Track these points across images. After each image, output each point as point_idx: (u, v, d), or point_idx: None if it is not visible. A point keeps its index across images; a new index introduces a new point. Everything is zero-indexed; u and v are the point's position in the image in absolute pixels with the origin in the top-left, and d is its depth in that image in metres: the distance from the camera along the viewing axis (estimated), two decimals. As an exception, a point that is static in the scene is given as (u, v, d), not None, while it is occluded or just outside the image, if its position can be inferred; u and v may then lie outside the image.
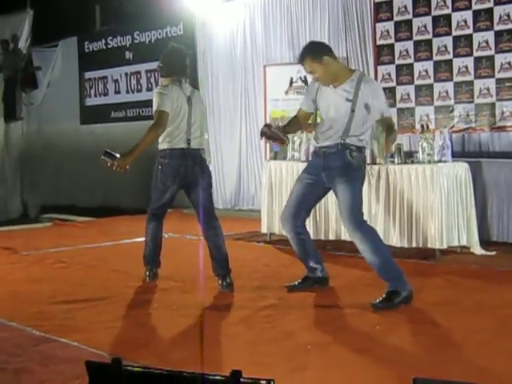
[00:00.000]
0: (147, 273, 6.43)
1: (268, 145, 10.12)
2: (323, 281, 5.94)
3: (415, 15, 8.96)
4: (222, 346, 4.45)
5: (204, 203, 6.08)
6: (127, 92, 13.39)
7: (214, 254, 6.13)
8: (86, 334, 4.76)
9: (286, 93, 10.18)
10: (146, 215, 6.44)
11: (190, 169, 6.07)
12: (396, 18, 9.16)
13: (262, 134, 5.58)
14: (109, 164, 5.56)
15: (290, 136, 6.04)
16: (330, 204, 7.64)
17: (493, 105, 8.30)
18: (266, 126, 5.76)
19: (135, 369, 2.15)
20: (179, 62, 6.23)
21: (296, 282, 5.96)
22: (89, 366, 2.13)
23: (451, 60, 8.65)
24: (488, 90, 8.34)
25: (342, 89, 5.42)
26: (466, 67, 8.51)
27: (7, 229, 10.94)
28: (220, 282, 6.06)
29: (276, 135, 5.54)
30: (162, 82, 6.41)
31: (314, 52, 5.49)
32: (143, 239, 6.53)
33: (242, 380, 1.98)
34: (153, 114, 6.02)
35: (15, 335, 4.82)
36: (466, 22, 8.48)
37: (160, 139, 6.06)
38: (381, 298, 5.26)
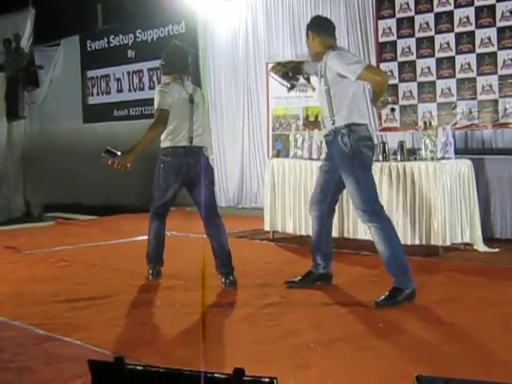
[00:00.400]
0: (150, 271, 6.43)
1: (271, 142, 10.14)
2: (325, 278, 5.95)
3: (417, 12, 8.95)
4: (224, 343, 4.45)
5: (206, 201, 6.09)
6: (129, 90, 13.39)
7: (217, 252, 6.13)
8: (88, 333, 4.76)
9: (289, 90, 10.15)
10: (149, 214, 6.44)
11: (193, 167, 6.08)
12: (398, 15, 9.15)
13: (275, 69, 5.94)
14: (109, 162, 5.58)
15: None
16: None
17: (495, 101, 8.29)
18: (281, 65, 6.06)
19: (138, 367, 2.15)
20: (181, 60, 6.25)
21: (296, 279, 5.98)
22: (91, 365, 2.13)
23: (454, 57, 8.64)
24: (491, 86, 8.32)
25: (320, 64, 5.59)
26: (469, 64, 8.49)
27: (10, 228, 10.95)
28: (223, 279, 6.05)
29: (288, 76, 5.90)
30: (164, 80, 6.41)
31: (307, 26, 5.83)
32: (146, 238, 6.54)
33: (244, 378, 1.98)
34: (154, 112, 6.03)
35: (18, 334, 4.82)
36: (468, 18, 8.46)
37: (162, 137, 6.08)
38: (383, 296, 5.25)
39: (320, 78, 5.59)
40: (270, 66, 6.09)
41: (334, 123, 5.47)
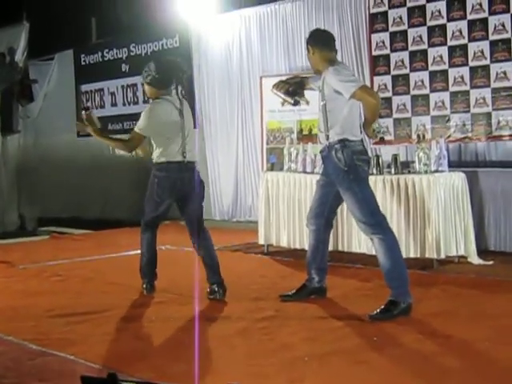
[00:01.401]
0: (144, 286, 6.41)
1: (265, 156, 10.15)
2: (320, 291, 5.95)
3: (410, 26, 8.98)
4: (218, 358, 4.43)
5: (197, 214, 6.26)
6: (124, 104, 13.39)
7: (209, 262, 6.21)
8: (82, 348, 4.74)
9: (283, 104, 10.14)
10: (140, 227, 6.44)
11: (187, 182, 6.13)
12: (391, 29, 9.18)
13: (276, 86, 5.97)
14: (84, 118, 6.15)
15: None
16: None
17: (489, 114, 8.31)
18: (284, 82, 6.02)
19: (131, 383, 2.15)
20: (176, 74, 6.25)
21: (290, 292, 5.97)
22: (84, 381, 2.12)
23: (447, 70, 8.67)
24: (484, 99, 8.34)
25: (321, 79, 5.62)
26: (462, 77, 8.52)
27: (4, 242, 10.92)
28: (216, 289, 6.11)
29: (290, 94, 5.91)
30: (149, 92, 6.33)
31: (307, 39, 5.82)
32: (139, 251, 6.53)
33: (238, 393, 1.98)
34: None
35: (12, 349, 4.81)
36: (461, 32, 8.49)
37: (156, 153, 6.10)
38: (379, 309, 5.25)
39: (319, 92, 5.63)
40: (273, 83, 6.07)
41: (327, 138, 5.50)
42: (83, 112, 6.24)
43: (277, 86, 5.98)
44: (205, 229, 6.33)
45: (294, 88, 5.94)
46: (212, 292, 6.15)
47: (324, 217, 5.81)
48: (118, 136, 12.19)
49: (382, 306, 5.26)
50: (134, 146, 6.15)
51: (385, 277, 5.40)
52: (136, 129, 6.09)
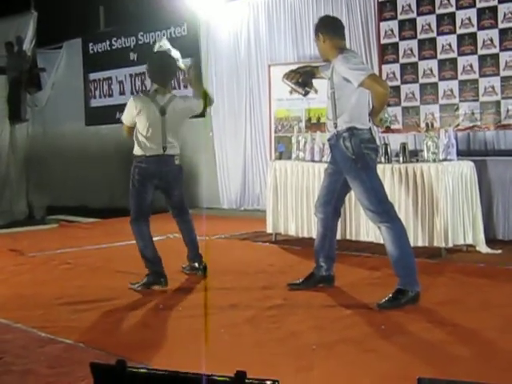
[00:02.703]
0: (162, 280, 6.24)
1: (273, 145, 10.14)
2: (328, 280, 5.94)
3: (419, 14, 8.95)
4: (226, 346, 4.44)
5: (178, 200, 6.57)
6: (132, 93, 13.39)
7: (189, 244, 6.61)
8: (91, 336, 4.77)
9: (291, 92, 10.10)
10: (129, 224, 6.45)
11: (165, 174, 6.36)
12: (400, 17, 9.15)
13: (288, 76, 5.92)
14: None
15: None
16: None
17: (498, 103, 8.29)
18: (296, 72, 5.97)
19: (140, 370, 2.15)
20: (162, 71, 6.47)
21: (298, 281, 5.98)
22: (93, 368, 2.13)
23: (456, 58, 8.64)
24: (493, 88, 8.32)
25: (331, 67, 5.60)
26: (471, 65, 8.49)
27: (13, 230, 10.96)
28: (197, 265, 6.52)
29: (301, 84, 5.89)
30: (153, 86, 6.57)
31: (317, 27, 5.77)
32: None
33: (246, 380, 1.98)
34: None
35: (21, 337, 4.83)
36: (470, 20, 8.46)
37: (136, 146, 6.35)
38: (387, 298, 5.25)
39: (328, 80, 5.60)
40: (282, 72, 6.06)
41: (336, 126, 5.48)
42: None
43: (287, 75, 5.95)
44: (187, 213, 6.67)
45: (304, 78, 5.91)
46: (192, 268, 6.54)
47: (332, 205, 5.80)
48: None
49: (390, 295, 5.26)
50: (126, 135, 6.55)
51: (393, 265, 5.40)
52: (122, 118, 6.50)
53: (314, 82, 6.04)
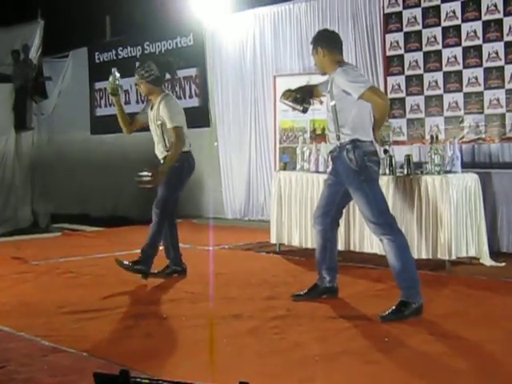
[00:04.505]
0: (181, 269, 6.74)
1: (278, 155, 10.15)
2: (332, 291, 5.93)
3: (425, 26, 8.97)
4: (230, 356, 4.44)
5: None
6: (137, 102, 13.41)
7: (176, 242, 6.97)
8: (94, 345, 4.76)
9: (304, 113, 10.16)
10: (159, 219, 6.50)
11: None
12: (405, 29, 9.18)
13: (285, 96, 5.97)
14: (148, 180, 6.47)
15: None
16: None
17: (503, 115, 8.29)
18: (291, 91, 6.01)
19: (143, 380, 2.15)
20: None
21: (302, 292, 5.96)
22: (96, 378, 2.13)
23: (461, 71, 8.65)
24: (498, 100, 8.33)
25: (328, 82, 5.64)
26: (476, 78, 8.51)
27: (17, 238, 10.97)
28: (180, 268, 6.97)
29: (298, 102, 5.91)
30: (148, 89, 6.86)
31: (316, 41, 5.77)
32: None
33: (249, 392, 1.98)
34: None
35: (24, 345, 4.83)
36: (475, 32, 8.48)
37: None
38: (390, 310, 5.23)
39: (327, 94, 5.62)
40: (280, 93, 6.10)
41: (338, 138, 5.49)
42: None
43: (284, 95, 5.98)
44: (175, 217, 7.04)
45: (301, 95, 5.93)
46: (175, 271, 6.94)
47: (330, 216, 5.79)
48: (131, 134, 12.31)
49: (393, 307, 5.25)
50: (182, 141, 6.61)
51: (395, 278, 5.39)
52: (176, 125, 6.59)
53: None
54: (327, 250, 5.85)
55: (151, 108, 6.86)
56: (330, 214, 5.78)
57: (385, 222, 5.40)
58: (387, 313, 5.22)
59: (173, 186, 6.60)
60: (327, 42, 5.70)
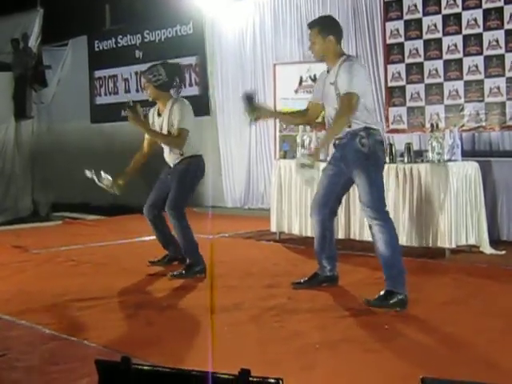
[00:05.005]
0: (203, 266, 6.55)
1: (278, 143, 10.15)
2: (332, 280, 5.93)
3: (425, 14, 8.94)
4: (230, 344, 4.45)
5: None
6: (137, 91, 13.39)
7: (170, 237, 6.88)
8: (95, 332, 4.77)
9: (296, 91, 10.17)
10: (178, 219, 6.46)
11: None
12: (406, 17, 9.15)
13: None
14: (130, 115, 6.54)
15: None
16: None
17: (503, 104, 8.28)
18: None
19: (144, 367, 2.16)
20: (178, 77, 6.85)
21: (302, 280, 5.97)
22: (98, 365, 2.14)
23: (461, 59, 8.63)
24: (498, 88, 8.32)
25: (330, 73, 5.55)
26: (476, 66, 8.49)
27: (17, 227, 10.99)
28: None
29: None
30: (155, 94, 6.73)
31: (325, 27, 5.62)
32: (153, 237, 6.62)
33: (250, 378, 1.99)
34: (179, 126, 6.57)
35: (25, 333, 4.84)
36: (476, 20, 8.46)
37: (187, 147, 6.56)
38: (377, 296, 5.24)
39: (330, 85, 5.50)
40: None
41: (350, 126, 5.41)
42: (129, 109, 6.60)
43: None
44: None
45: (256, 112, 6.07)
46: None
47: (329, 206, 5.76)
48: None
49: (380, 294, 5.25)
50: (182, 143, 6.48)
51: (383, 266, 5.36)
52: (184, 126, 6.47)
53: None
54: (326, 240, 5.83)
55: (159, 114, 6.71)
56: (329, 204, 5.75)
57: (380, 209, 5.39)
58: (374, 299, 5.23)
59: (187, 187, 6.53)
60: (338, 33, 5.64)
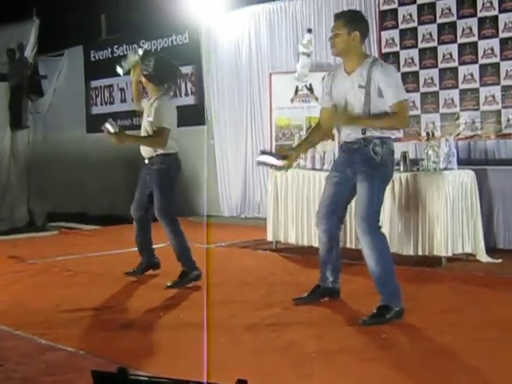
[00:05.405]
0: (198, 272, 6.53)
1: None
2: (333, 292, 5.75)
3: (420, 23, 8.98)
4: (227, 354, 4.44)
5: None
6: (133, 100, 13.39)
7: (149, 243, 6.97)
8: (92, 343, 4.77)
9: (292, 101, 10.19)
10: (171, 226, 6.46)
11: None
12: (401, 26, 9.18)
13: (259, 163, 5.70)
14: (112, 132, 6.42)
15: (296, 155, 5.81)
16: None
17: (498, 112, 8.31)
18: (262, 152, 5.76)
19: (141, 378, 2.16)
20: (172, 73, 6.87)
21: (304, 295, 5.75)
22: (94, 376, 2.13)
23: (456, 67, 8.66)
24: (493, 97, 8.34)
25: (355, 75, 5.24)
26: (472, 75, 8.52)
27: (13, 237, 10.95)
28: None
29: (274, 156, 5.53)
30: (150, 90, 6.81)
31: (353, 20, 5.34)
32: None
33: (247, 389, 1.99)
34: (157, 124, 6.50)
35: (21, 344, 4.83)
36: (471, 29, 8.49)
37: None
38: (371, 314, 5.11)
39: (359, 88, 5.19)
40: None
41: (364, 133, 5.21)
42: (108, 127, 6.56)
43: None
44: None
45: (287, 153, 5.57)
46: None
47: (337, 215, 5.56)
48: (127, 132, 12.24)
49: (374, 311, 5.12)
50: (164, 143, 6.48)
51: (375, 283, 5.24)
52: (163, 125, 6.46)
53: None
54: (334, 250, 5.64)
55: (148, 100, 6.83)
56: (337, 213, 5.55)
57: (373, 223, 5.25)
58: (368, 317, 5.09)
59: (166, 190, 6.51)
60: (365, 31, 5.39)
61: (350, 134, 5.33)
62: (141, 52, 7.03)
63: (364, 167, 5.24)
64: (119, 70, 7.07)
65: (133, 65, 6.98)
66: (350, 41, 5.25)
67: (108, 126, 6.45)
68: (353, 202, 5.61)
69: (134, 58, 7.00)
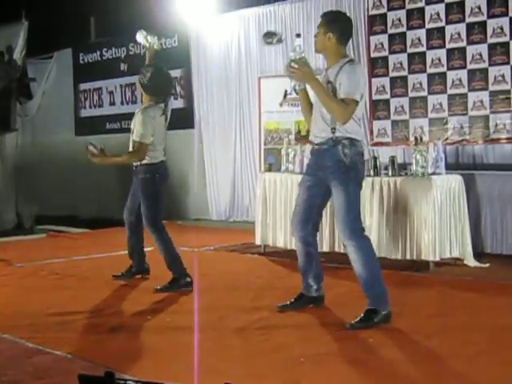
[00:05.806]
0: (190, 280, 6.50)
1: (262, 156, 10.17)
2: (318, 300, 5.69)
3: (409, 28, 9.00)
4: (215, 358, 4.43)
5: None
6: (122, 103, 13.41)
7: (140, 247, 7.03)
8: (79, 346, 4.75)
9: (281, 105, 10.21)
10: (158, 234, 6.47)
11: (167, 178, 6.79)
12: (390, 31, 9.20)
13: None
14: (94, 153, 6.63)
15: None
16: (324, 215, 7.62)
17: (486, 117, 8.34)
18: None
19: (128, 382, 2.16)
20: (168, 83, 6.92)
21: (288, 302, 5.71)
22: (81, 379, 2.13)
23: (445, 72, 8.69)
24: (482, 102, 8.37)
25: (329, 72, 5.31)
26: (460, 80, 8.54)
27: (1, 240, 10.90)
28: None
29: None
30: (144, 99, 6.78)
31: (329, 22, 5.37)
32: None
33: (234, 393, 1.99)
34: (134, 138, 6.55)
35: (8, 347, 4.81)
36: (459, 34, 8.52)
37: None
38: (359, 318, 5.10)
39: (326, 84, 5.25)
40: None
41: (333, 132, 5.21)
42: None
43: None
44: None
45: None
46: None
47: (312, 221, 5.51)
48: (116, 135, 12.24)
49: (362, 315, 5.11)
50: (141, 157, 6.47)
51: (362, 287, 5.23)
52: (139, 139, 6.43)
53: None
54: (312, 257, 5.60)
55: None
56: (312, 219, 5.50)
57: (356, 229, 5.23)
58: (355, 321, 5.08)
59: (151, 199, 6.50)
60: (341, 32, 5.36)
61: (318, 134, 5.34)
62: (157, 47, 7.27)
63: (335, 171, 5.23)
64: (139, 36, 7.28)
65: (149, 46, 7.18)
66: (326, 41, 5.34)
67: (91, 149, 6.67)
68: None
69: (154, 45, 7.23)
